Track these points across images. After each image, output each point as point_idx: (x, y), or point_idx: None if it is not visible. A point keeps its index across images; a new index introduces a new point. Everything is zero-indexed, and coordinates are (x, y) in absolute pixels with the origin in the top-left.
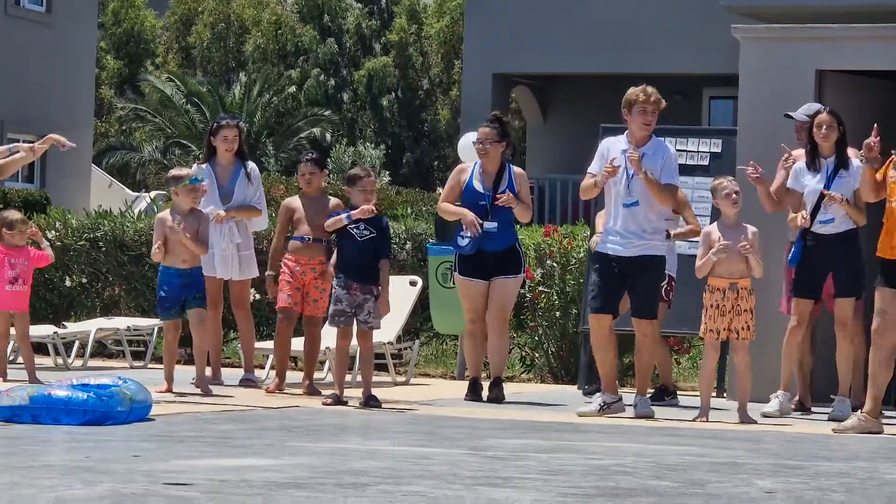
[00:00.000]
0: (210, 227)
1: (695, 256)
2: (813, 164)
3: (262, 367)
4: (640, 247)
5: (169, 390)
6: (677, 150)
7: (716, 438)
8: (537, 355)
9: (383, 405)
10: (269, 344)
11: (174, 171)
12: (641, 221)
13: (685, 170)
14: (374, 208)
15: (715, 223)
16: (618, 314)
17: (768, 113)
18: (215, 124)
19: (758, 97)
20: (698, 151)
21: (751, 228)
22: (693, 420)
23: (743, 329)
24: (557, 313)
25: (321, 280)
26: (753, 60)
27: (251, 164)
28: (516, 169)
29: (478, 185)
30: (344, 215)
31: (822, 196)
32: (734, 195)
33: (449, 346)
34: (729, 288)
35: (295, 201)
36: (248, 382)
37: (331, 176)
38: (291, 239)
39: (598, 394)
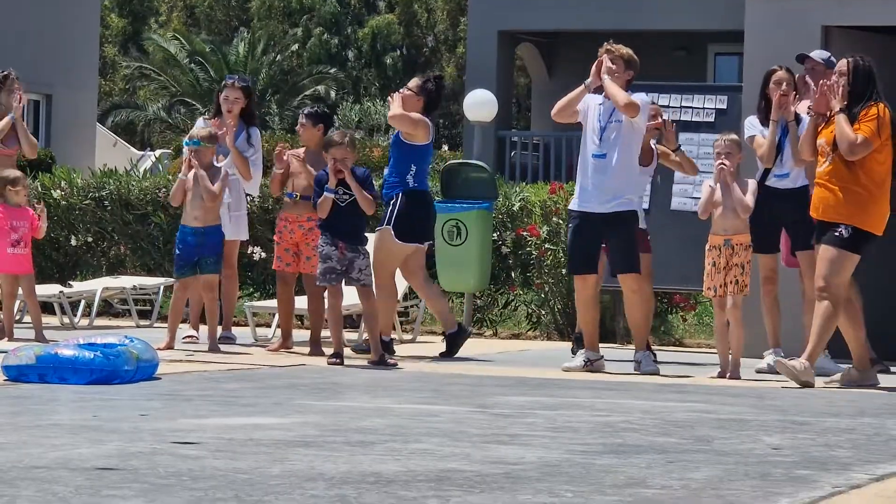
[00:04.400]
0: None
1: (696, 214)
2: (766, 119)
3: (269, 326)
4: (612, 203)
5: (170, 346)
6: (682, 107)
7: (721, 395)
8: (543, 312)
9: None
10: (275, 303)
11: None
12: (612, 176)
13: (690, 126)
14: (339, 171)
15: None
16: (596, 272)
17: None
18: (223, 83)
19: (763, 53)
20: (704, 108)
21: (751, 182)
22: (712, 377)
23: (732, 283)
24: (563, 270)
25: (312, 236)
26: (759, 16)
27: (255, 130)
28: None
29: None
30: (327, 193)
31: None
32: (722, 153)
33: (455, 304)
34: (724, 244)
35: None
36: (226, 341)
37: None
38: (285, 195)
39: (581, 350)
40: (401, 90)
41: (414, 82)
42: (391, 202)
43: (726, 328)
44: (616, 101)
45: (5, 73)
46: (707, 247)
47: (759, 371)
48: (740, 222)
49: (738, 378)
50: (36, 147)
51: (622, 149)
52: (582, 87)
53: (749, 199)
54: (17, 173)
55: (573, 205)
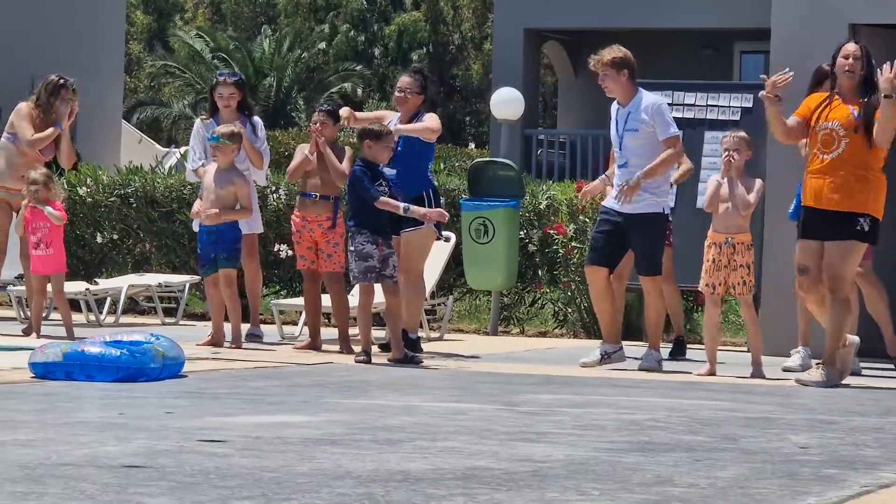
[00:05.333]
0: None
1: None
2: None
3: (296, 324)
4: (634, 205)
5: (213, 343)
6: (708, 105)
7: (748, 393)
8: (570, 311)
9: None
10: (303, 300)
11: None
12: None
13: (717, 125)
14: (444, 213)
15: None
16: (613, 268)
17: (800, 67)
18: (214, 81)
19: (790, 51)
20: (729, 106)
21: (757, 181)
22: (697, 374)
23: (739, 284)
24: None
25: (331, 234)
26: (786, 14)
27: (257, 119)
28: (430, 115)
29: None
30: (402, 207)
31: None
32: (728, 151)
33: (482, 302)
34: (725, 242)
35: (308, 150)
36: (253, 338)
37: None
38: (300, 195)
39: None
40: (398, 92)
41: (409, 82)
42: (424, 199)
43: (719, 326)
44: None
45: (62, 81)
46: (706, 243)
47: (785, 369)
48: (742, 221)
49: (762, 377)
50: (73, 159)
51: (642, 155)
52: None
53: (753, 196)
54: (34, 174)
55: (604, 201)
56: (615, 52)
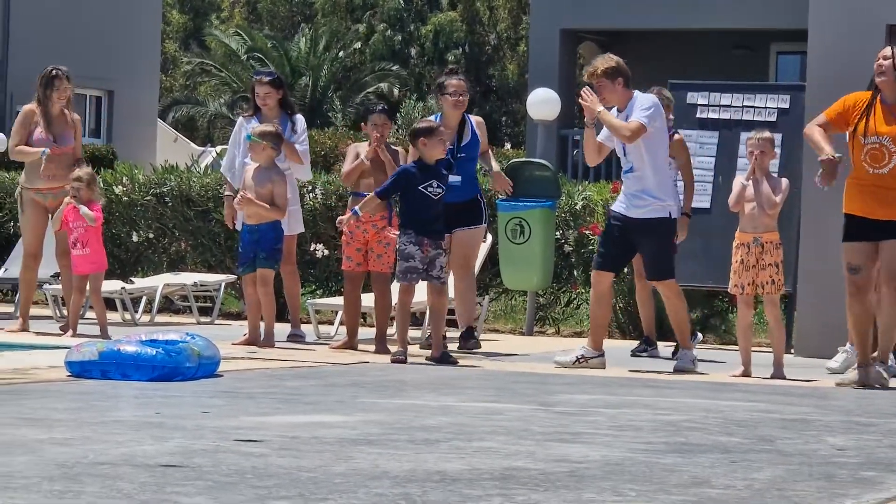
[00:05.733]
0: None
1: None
2: None
3: (332, 324)
4: (641, 210)
5: (249, 342)
6: (744, 106)
7: (785, 395)
8: None
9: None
10: (339, 300)
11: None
12: (640, 186)
13: (753, 126)
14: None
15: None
16: (619, 273)
17: (837, 68)
18: (252, 80)
19: (827, 52)
20: (766, 107)
21: (783, 181)
22: (732, 375)
23: (768, 283)
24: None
25: (384, 235)
26: (823, 15)
27: (298, 117)
28: (475, 118)
29: None
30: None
31: None
32: (755, 152)
33: (518, 302)
34: (753, 242)
35: (362, 150)
36: (294, 338)
37: (399, 131)
38: (352, 195)
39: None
40: (456, 96)
41: (462, 84)
42: (479, 202)
43: (751, 327)
44: (619, 135)
45: (55, 72)
46: (735, 244)
47: (830, 371)
48: (769, 220)
49: (783, 378)
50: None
51: (646, 158)
52: (586, 129)
53: (779, 197)
54: (80, 171)
55: (612, 206)
56: (608, 61)
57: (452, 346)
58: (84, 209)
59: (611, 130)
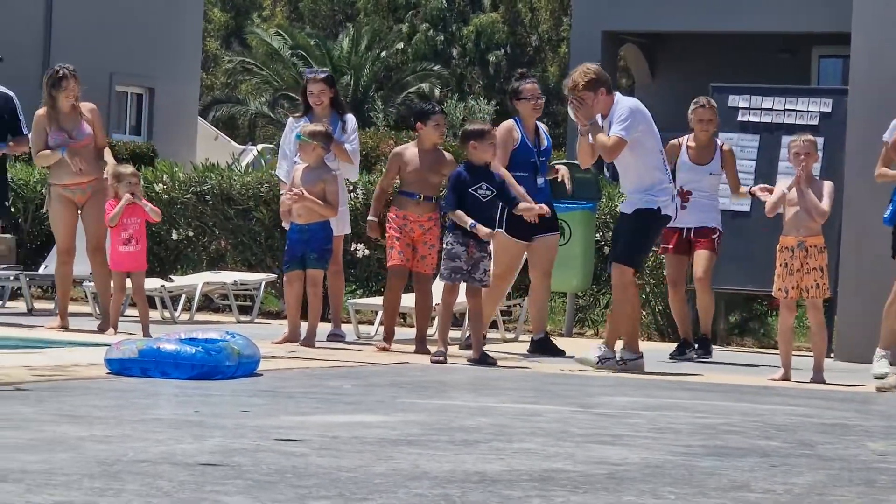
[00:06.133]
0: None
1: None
2: None
3: (372, 324)
4: (628, 206)
5: (288, 340)
6: (786, 109)
7: (825, 399)
8: (644, 313)
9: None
10: (380, 300)
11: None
12: (627, 186)
13: (795, 129)
14: (543, 209)
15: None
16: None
17: (880, 72)
18: (304, 78)
19: (870, 55)
20: (808, 111)
21: (826, 183)
22: (771, 378)
23: (813, 287)
24: (664, 272)
25: (429, 236)
26: (866, 18)
27: (349, 116)
28: (540, 123)
29: (528, 142)
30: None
31: None
32: (801, 154)
33: (557, 304)
34: (797, 246)
35: (409, 152)
36: (335, 337)
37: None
38: (400, 193)
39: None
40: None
41: (538, 88)
42: (554, 208)
43: (792, 330)
44: (602, 153)
45: (61, 72)
46: (778, 248)
47: (877, 377)
48: (814, 224)
49: (823, 382)
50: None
51: (630, 163)
52: (579, 136)
53: (826, 203)
54: (125, 169)
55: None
56: (587, 73)
57: (501, 349)
58: (149, 205)
59: (596, 146)
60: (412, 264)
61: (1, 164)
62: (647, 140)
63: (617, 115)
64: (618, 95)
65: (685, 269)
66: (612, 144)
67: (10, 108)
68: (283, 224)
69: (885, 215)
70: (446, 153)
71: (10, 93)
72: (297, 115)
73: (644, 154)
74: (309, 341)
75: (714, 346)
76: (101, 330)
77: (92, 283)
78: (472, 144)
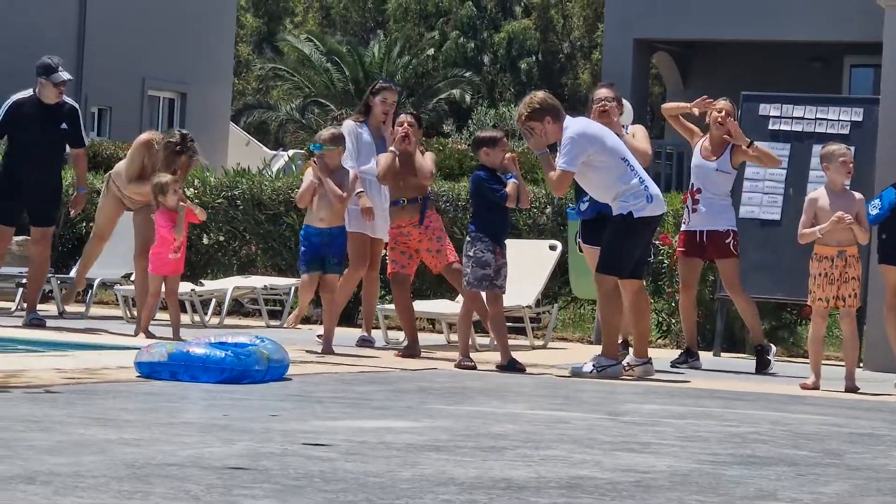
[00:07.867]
0: (368, 185)
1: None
2: None
3: (401, 329)
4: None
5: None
6: (817, 119)
7: (853, 408)
8: (674, 321)
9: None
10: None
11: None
12: (601, 201)
13: (825, 138)
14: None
15: (822, 189)
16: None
17: None
18: (377, 84)
19: None
20: (839, 120)
21: (857, 195)
22: (802, 384)
23: (850, 297)
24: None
25: (430, 231)
26: None
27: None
28: None
29: None
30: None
31: None
32: (850, 163)
33: (587, 311)
34: (837, 256)
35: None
36: (364, 343)
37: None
38: (390, 206)
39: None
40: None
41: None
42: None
43: (822, 339)
44: (551, 188)
45: (186, 135)
46: (816, 256)
47: None
48: (851, 234)
49: (856, 391)
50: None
51: (591, 181)
52: (539, 155)
53: (866, 225)
54: (165, 178)
55: None
56: (530, 104)
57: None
58: (198, 208)
59: (547, 181)
60: (435, 262)
61: (56, 175)
62: (600, 158)
63: (563, 144)
64: (567, 121)
65: (699, 272)
66: (556, 180)
67: (73, 118)
68: (366, 220)
69: (871, 213)
70: (428, 153)
71: (75, 104)
72: (360, 120)
73: (602, 172)
74: (327, 347)
75: (742, 356)
76: (138, 333)
77: (123, 288)
78: (483, 151)
